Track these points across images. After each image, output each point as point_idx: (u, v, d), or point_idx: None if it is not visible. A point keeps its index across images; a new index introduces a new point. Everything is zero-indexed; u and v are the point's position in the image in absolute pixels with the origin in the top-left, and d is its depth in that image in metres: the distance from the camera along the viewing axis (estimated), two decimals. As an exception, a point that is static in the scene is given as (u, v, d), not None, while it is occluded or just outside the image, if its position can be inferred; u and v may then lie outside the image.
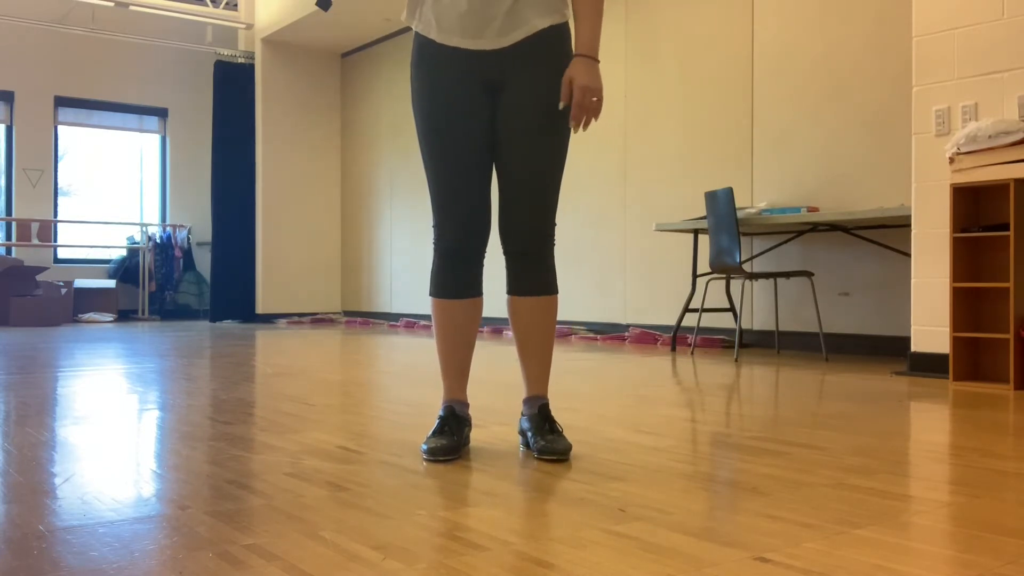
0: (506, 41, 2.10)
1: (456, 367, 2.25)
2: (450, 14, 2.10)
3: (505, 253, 2.22)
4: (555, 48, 2.14)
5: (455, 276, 2.20)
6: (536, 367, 2.24)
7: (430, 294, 2.26)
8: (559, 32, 2.16)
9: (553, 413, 2.88)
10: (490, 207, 2.21)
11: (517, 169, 2.15)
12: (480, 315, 2.27)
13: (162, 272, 10.62)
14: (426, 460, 2.12)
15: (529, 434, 2.20)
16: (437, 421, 2.22)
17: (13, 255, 9.88)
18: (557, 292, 2.25)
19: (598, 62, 2.16)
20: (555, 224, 2.21)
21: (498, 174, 2.20)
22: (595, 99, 2.11)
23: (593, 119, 2.14)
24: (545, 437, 2.15)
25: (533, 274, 2.21)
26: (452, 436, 2.16)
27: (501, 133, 2.15)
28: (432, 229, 2.23)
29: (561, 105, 2.13)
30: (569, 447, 2.13)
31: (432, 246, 2.24)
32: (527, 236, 2.17)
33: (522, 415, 2.28)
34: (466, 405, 2.27)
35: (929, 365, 4.11)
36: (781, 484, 1.86)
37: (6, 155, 10.14)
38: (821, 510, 1.65)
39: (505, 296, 2.27)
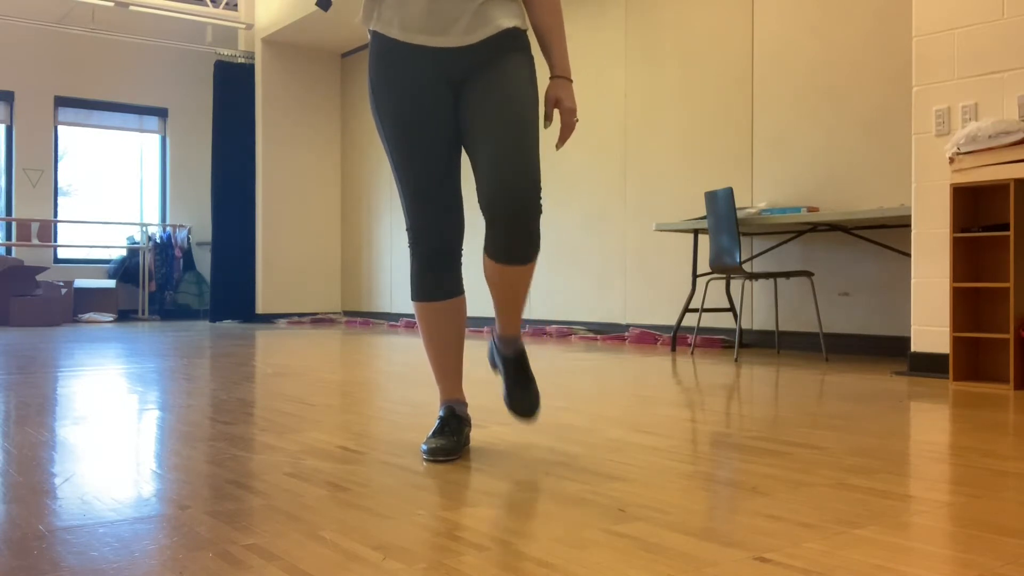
0: (472, 39, 2.08)
1: (451, 368, 2.25)
2: (413, 12, 2.08)
3: (492, 218, 2.03)
4: (519, 45, 2.14)
5: (438, 279, 2.18)
6: (514, 314, 2.23)
7: (413, 299, 2.22)
8: (521, 34, 2.16)
9: (553, 413, 2.89)
10: (463, 205, 2.18)
11: (496, 136, 2.04)
12: (465, 313, 2.26)
13: (162, 272, 10.62)
14: (426, 460, 2.12)
15: (506, 380, 2.27)
16: (438, 421, 2.22)
17: (13, 255, 9.88)
18: (538, 252, 2.15)
19: (572, 81, 2.22)
20: (540, 188, 2.08)
21: (474, 151, 2.10)
22: (575, 119, 2.20)
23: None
24: (520, 389, 2.25)
25: (522, 241, 2.04)
26: (452, 437, 2.16)
27: (472, 115, 2.09)
28: (406, 233, 2.20)
29: (547, 125, 2.15)
30: (537, 398, 2.26)
31: (409, 250, 2.21)
32: (519, 192, 2.00)
33: (496, 349, 2.31)
34: (465, 405, 2.27)
35: (929, 365, 4.11)
36: (781, 484, 1.86)
37: (6, 155, 10.14)
38: (821, 510, 1.65)
39: (482, 257, 2.18)
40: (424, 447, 2.15)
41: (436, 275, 2.18)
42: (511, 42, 2.12)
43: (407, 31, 2.09)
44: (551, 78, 2.18)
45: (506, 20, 2.11)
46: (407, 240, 2.20)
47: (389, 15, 2.11)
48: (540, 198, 2.05)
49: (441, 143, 2.12)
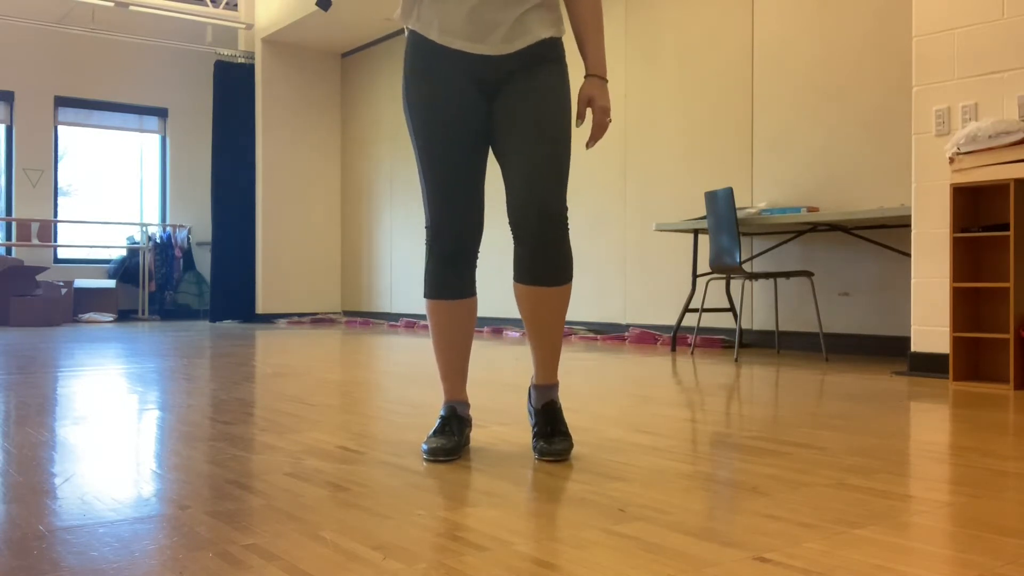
0: (510, 48, 2.10)
1: (456, 368, 2.25)
2: (454, 16, 2.09)
3: (519, 240, 2.12)
4: (554, 55, 2.16)
5: (453, 277, 2.18)
6: (549, 356, 2.21)
7: (426, 296, 2.23)
8: (558, 43, 2.18)
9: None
10: (484, 207, 2.20)
11: (532, 150, 2.09)
12: (476, 315, 2.26)
13: (162, 272, 10.62)
14: (426, 460, 2.12)
15: (534, 429, 2.21)
16: (439, 421, 2.22)
17: (13, 255, 9.88)
18: (571, 279, 2.18)
19: (607, 81, 2.21)
20: (567, 208, 2.15)
21: (505, 166, 2.15)
22: (608, 119, 2.20)
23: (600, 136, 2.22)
24: (548, 439, 2.15)
25: (551, 260, 2.11)
26: (453, 437, 2.16)
27: (504, 127, 2.13)
28: (425, 231, 2.21)
29: (579, 123, 2.18)
30: (568, 448, 2.13)
31: (425, 247, 2.22)
32: (545, 215, 2.08)
33: (530, 399, 2.28)
34: (467, 406, 2.27)
35: (929, 365, 4.11)
36: (781, 484, 1.86)
37: (6, 155, 10.14)
38: (821, 510, 1.65)
39: (512, 286, 2.23)
40: (424, 447, 2.15)
41: (450, 274, 2.18)
42: (547, 51, 2.14)
43: (446, 35, 2.11)
44: (585, 76, 2.19)
45: (544, 30, 2.13)
46: (425, 237, 2.21)
47: (429, 16, 2.13)
48: (567, 219, 2.13)
49: (468, 147, 2.13)
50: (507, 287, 7.82)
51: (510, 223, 2.13)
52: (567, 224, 2.13)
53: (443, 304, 2.20)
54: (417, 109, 2.14)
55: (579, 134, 7.11)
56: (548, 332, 2.18)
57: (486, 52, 2.10)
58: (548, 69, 2.14)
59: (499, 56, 2.11)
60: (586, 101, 2.17)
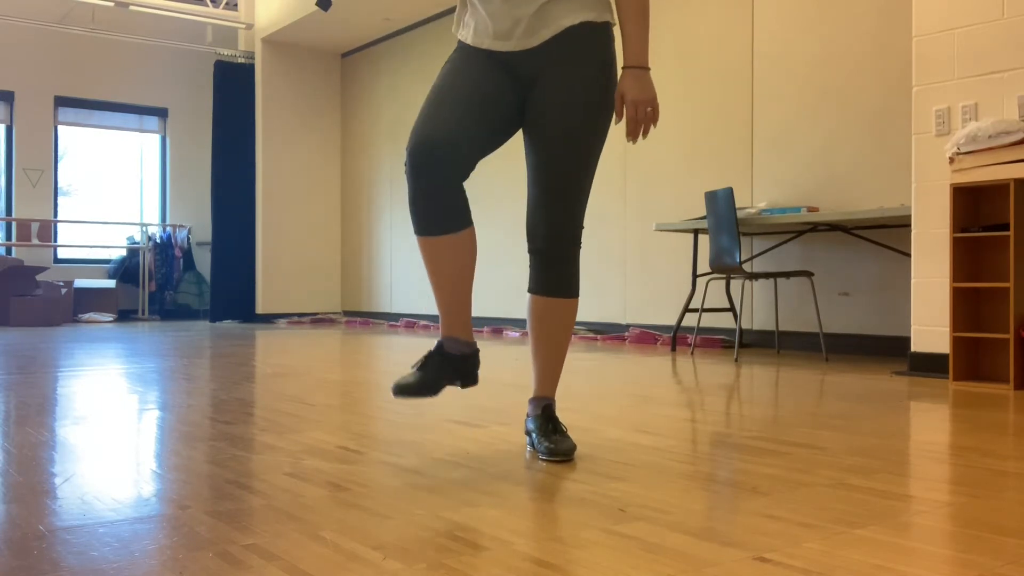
0: (533, 41, 2.06)
1: (448, 304, 2.12)
2: (484, 17, 2.09)
3: (529, 251, 2.19)
4: (588, 44, 2.08)
5: (437, 206, 2.01)
6: (547, 368, 2.22)
7: (414, 231, 2.09)
8: (593, 29, 2.08)
9: (558, 414, 2.88)
10: (475, 147, 2.04)
11: (545, 167, 2.09)
12: (470, 247, 2.08)
13: (162, 272, 10.62)
14: (394, 395, 2.06)
15: (534, 435, 2.19)
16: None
17: (13, 255, 9.88)
18: (577, 296, 2.20)
19: (648, 70, 2.09)
20: (582, 227, 2.15)
21: (528, 173, 2.16)
22: (649, 109, 2.07)
23: (652, 126, 2.10)
24: (550, 438, 2.14)
25: (554, 274, 2.16)
26: (425, 373, 2.07)
27: (531, 132, 2.12)
28: (405, 153, 2.06)
29: (617, 121, 2.12)
30: (573, 447, 2.12)
31: (405, 171, 2.05)
32: (550, 235, 2.13)
33: (527, 416, 2.27)
34: (460, 342, 2.14)
35: (929, 365, 4.11)
36: (781, 484, 1.86)
37: (6, 155, 10.14)
38: (821, 510, 1.65)
39: (526, 298, 2.24)
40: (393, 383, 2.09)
41: (434, 202, 2.01)
42: (578, 43, 2.07)
43: (478, 36, 2.11)
44: (622, 68, 2.09)
45: (570, 17, 2.06)
46: (405, 162, 2.05)
47: (469, 21, 2.14)
48: (579, 239, 2.17)
49: (477, 97, 2.05)
50: (507, 288, 7.82)
51: (526, 230, 2.18)
52: (579, 243, 2.16)
53: (431, 241, 2.05)
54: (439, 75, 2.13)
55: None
56: (553, 342, 2.19)
57: (510, 48, 2.07)
58: (582, 60, 2.06)
59: (524, 52, 2.07)
60: (620, 97, 2.07)
